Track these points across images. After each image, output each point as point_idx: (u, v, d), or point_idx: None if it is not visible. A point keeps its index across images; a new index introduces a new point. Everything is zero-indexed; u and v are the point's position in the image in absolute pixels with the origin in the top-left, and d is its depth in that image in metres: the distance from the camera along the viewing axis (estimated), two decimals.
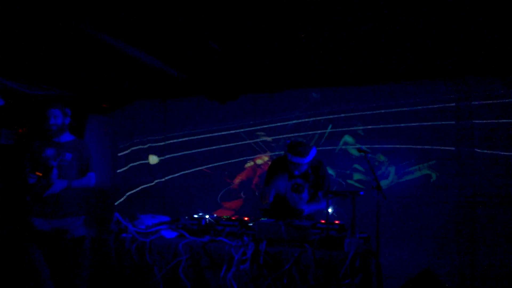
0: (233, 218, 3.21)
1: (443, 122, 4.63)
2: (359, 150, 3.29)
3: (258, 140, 5.42)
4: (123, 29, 3.47)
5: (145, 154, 5.83)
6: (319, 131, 5.08)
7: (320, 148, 4.92)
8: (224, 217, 3.29)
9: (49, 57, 4.05)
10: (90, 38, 3.38)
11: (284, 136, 5.26)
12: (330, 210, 2.99)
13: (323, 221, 3.01)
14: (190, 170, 5.66)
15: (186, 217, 3.25)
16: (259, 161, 5.45)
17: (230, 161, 5.53)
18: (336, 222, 2.97)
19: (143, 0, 3.02)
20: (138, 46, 3.80)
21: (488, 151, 4.45)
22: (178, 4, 3.08)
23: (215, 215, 3.25)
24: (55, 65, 4.28)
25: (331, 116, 5.09)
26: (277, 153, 5.29)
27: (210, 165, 5.59)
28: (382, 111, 4.86)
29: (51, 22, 3.13)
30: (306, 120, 5.18)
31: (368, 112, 4.80)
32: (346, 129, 5.04)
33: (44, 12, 2.96)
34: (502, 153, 4.40)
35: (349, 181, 4.94)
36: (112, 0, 3.00)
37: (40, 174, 3.26)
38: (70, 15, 3.09)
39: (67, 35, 3.39)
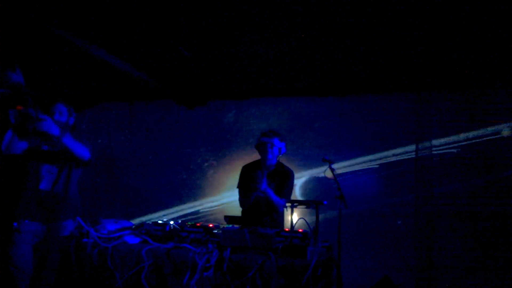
0: (198, 224, 3.20)
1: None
2: (323, 159, 3.37)
3: None
4: (92, 32, 3.42)
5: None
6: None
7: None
8: (189, 223, 3.28)
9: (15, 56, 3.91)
10: (57, 39, 3.30)
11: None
12: (294, 218, 3.05)
13: (287, 229, 3.06)
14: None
15: (150, 223, 3.22)
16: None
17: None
18: (300, 230, 3.02)
19: (111, 3, 2.99)
20: (106, 48, 3.74)
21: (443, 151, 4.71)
22: (147, 9, 3.08)
23: (179, 221, 3.24)
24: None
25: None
26: None
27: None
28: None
29: (18, 21, 3.05)
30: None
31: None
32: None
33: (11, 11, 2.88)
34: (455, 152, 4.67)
35: None
36: (81, 3, 2.95)
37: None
38: (40, 15, 3.01)
39: (35, 35, 3.30)
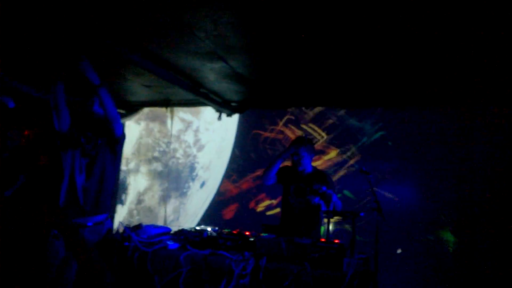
0: (235, 232, 3.25)
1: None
2: (361, 171, 3.34)
3: None
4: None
5: None
6: None
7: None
8: (226, 230, 3.33)
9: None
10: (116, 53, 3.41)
11: None
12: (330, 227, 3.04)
13: (323, 240, 3.05)
14: None
15: (189, 229, 3.29)
16: None
17: None
18: (336, 241, 3.00)
19: None
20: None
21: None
22: None
23: (216, 228, 3.30)
24: None
25: None
26: None
27: None
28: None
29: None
30: None
31: None
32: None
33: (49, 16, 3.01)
34: None
35: None
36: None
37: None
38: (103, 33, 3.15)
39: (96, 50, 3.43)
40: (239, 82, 4.30)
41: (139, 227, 3.17)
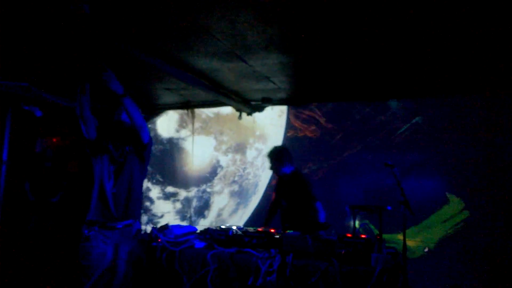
0: (260, 229, 3.26)
1: None
2: (386, 164, 3.29)
3: None
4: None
5: None
6: None
7: None
8: (251, 228, 3.35)
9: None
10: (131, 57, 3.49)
11: None
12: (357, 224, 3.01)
13: (349, 235, 3.03)
14: None
15: (214, 228, 3.32)
16: None
17: None
18: (363, 236, 2.98)
19: None
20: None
21: None
22: None
23: (242, 226, 3.32)
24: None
25: None
26: None
27: None
28: None
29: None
30: None
31: None
32: None
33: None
34: None
35: None
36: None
37: None
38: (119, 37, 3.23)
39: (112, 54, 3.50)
40: (259, 80, 4.30)
41: (166, 227, 3.23)
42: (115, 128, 3.26)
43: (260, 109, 5.28)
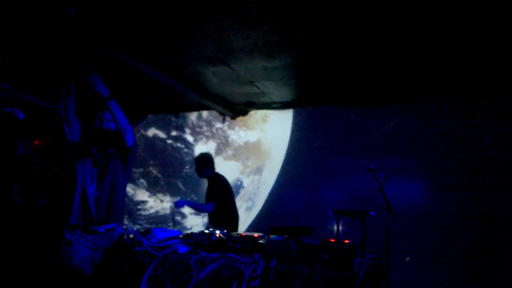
0: (243, 234, 3.24)
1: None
2: (368, 169, 3.32)
3: None
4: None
5: None
6: None
7: None
8: (234, 233, 3.33)
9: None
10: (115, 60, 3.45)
11: None
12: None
13: (332, 240, 3.04)
14: None
15: (197, 232, 3.30)
16: None
17: None
18: (346, 241, 2.99)
19: None
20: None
21: None
22: None
23: (225, 231, 3.30)
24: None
25: None
26: None
27: None
28: None
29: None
30: None
31: None
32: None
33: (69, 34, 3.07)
34: None
35: None
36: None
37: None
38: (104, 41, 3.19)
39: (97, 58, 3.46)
40: (242, 84, 4.31)
41: (148, 231, 3.18)
42: (99, 130, 3.23)
43: (243, 113, 5.30)
